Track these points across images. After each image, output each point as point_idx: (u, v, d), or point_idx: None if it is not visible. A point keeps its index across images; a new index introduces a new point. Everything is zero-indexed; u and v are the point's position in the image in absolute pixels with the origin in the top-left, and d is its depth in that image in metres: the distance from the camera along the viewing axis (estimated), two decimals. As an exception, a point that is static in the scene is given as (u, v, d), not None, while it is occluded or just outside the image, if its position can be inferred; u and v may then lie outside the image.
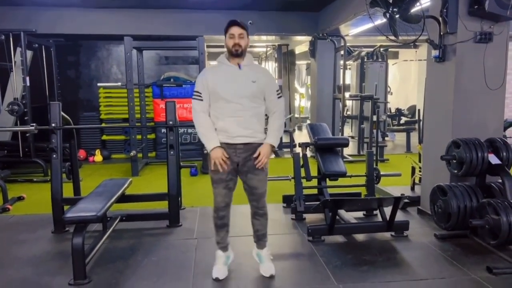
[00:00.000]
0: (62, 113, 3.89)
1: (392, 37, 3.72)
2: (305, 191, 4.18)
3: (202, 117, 2.74)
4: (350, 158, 7.38)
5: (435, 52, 3.88)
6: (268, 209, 2.95)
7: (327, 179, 4.31)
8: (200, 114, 2.74)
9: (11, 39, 6.20)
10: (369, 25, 6.65)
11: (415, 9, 3.69)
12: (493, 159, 3.45)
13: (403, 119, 11.34)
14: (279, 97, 2.80)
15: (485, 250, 3.30)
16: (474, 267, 3.02)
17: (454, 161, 3.62)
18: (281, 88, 10.76)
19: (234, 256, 3.06)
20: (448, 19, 3.66)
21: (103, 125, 7.99)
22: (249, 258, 3.11)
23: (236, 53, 2.68)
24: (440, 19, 3.74)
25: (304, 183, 4.18)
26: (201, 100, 2.74)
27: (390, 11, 3.60)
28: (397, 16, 3.61)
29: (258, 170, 2.77)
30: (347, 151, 7.65)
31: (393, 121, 11.13)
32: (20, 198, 5.03)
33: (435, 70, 4.03)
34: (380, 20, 4.38)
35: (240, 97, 2.68)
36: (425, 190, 4.19)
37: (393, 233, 3.65)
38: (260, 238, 2.97)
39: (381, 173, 4.47)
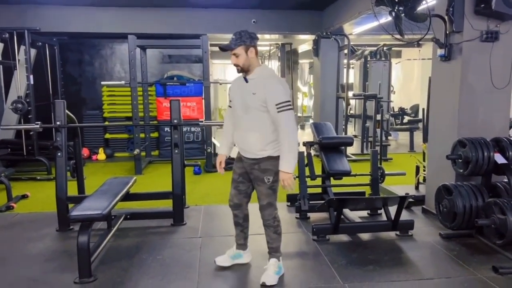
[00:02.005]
0: (66, 111, 3.90)
1: (398, 36, 3.71)
2: (310, 190, 4.17)
3: (224, 123, 3.03)
4: (354, 157, 7.37)
5: (440, 51, 3.86)
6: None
7: (332, 178, 4.31)
8: (225, 120, 3.02)
9: (15, 37, 6.19)
10: (373, 24, 6.64)
11: (421, 7, 3.67)
12: (499, 159, 3.43)
13: (406, 118, 11.31)
14: (279, 111, 2.57)
15: (491, 249, 3.29)
16: (479, 267, 3.01)
17: (460, 160, 3.60)
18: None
19: (248, 259, 3.07)
20: (454, 18, 3.64)
21: (107, 123, 7.99)
22: (256, 257, 3.11)
23: (238, 71, 2.74)
24: (446, 18, 3.72)
25: (309, 182, 4.17)
26: (230, 107, 2.94)
27: (396, 10, 3.59)
28: (403, 14, 3.60)
29: (261, 181, 2.75)
30: (350, 150, 7.63)
31: (396, 120, 11.10)
32: (24, 196, 5.03)
33: (441, 69, 4.02)
34: (385, 19, 4.36)
35: (240, 109, 2.73)
36: (430, 189, 4.18)
37: (398, 233, 3.65)
38: (269, 251, 2.90)
39: (386, 172, 4.45)
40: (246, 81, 2.72)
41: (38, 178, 6.05)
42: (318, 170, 4.35)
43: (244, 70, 2.70)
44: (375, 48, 9.92)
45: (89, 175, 5.92)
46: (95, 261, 3.00)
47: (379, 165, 4.43)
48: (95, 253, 3.01)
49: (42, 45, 7.07)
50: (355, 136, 9.68)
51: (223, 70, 16.46)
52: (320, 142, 4.34)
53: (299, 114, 12.64)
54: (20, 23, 6.63)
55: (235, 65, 2.69)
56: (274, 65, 12.14)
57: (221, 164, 2.95)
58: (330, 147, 4.39)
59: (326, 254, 3.28)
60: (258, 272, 2.91)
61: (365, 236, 3.66)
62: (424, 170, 4.75)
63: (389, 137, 9.28)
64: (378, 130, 6.97)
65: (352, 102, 10.25)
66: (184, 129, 7.40)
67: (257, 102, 2.63)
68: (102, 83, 7.40)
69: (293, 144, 2.61)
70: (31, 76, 6.35)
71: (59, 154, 3.83)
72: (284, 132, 2.59)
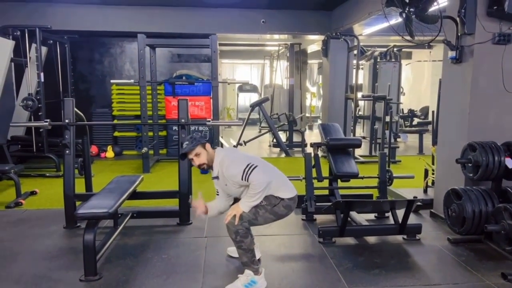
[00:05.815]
0: (75, 109, 3.92)
1: (408, 37, 3.67)
2: (316, 192, 4.15)
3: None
4: (362, 159, 7.31)
5: (451, 53, 3.81)
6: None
7: (339, 180, 4.28)
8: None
9: (26, 35, 6.25)
10: (383, 25, 6.59)
11: (432, 9, 3.62)
12: (510, 163, 3.38)
13: (416, 120, 11.20)
14: (247, 179, 2.68)
15: (500, 256, 3.24)
16: (488, 273, 2.96)
17: (470, 164, 3.55)
18: (292, 87, 10.71)
19: (257, 255, 3.00)
20: (466, 20, 3.59)
21: (115, 121, 8.04)
22: (264, 258, 3.10)
23: (206, 169, 2.88)
24: (458, 19, 3.66)
25: (315, 183, 4.15)
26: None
27: (406, 11, 3.54)
28: (413, 16, 3.55)
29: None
30: (358, 151, 7.57)
31: (405, 122, 11.00)
32: (33, 193, 5.08)
33: (452, 71, 3.96)
34: (395, 20, 4.32)
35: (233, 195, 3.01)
36: (438, 193, 4.13)
37: (405, 236, 3.61)
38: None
39: (394, 175, 4.41)
40: (217, 178, 2.84)
41: (47, 175, 6.11)
42: (325, 172, 4.32)
43: (209, 166, 2.84)
44: (385, 49, 9.85)
45: (97, 173, 5.97)
46: (100, 259, 3.01)
47: (387, 168, 4.39)
48: (101, 251, 3.02)
49: (53, 43, 7.12)
50: (364, 137, 9.60)
51: (232, 70, 16.49)
52: (328, 144, 4.31)
53: (307, 115, 12.59)
54: (31, 21, 6.69)
55: (200, 165, 2.82)
56: (283, 65, 12.10)
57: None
58: (338, 149, 4.35)
59: (332, 256, 3.25)
60: (265, 273, 2.91)
61: (371, 239, 3.63)
62: (433, 174, 4.69)
63: (398, 139, 9.20)
64: (387, 132, 6.91)
65: (361, 103, 10.19)
66: (192, 128, 7.42)
67: (235, 187, 2.79)
68: (112, 81, 7.44)
69: (256, 195, 2.68)
70: (42, 74, 6.40)
71: (67, 151, 3.85)
72: (251, 187, 2.68)
